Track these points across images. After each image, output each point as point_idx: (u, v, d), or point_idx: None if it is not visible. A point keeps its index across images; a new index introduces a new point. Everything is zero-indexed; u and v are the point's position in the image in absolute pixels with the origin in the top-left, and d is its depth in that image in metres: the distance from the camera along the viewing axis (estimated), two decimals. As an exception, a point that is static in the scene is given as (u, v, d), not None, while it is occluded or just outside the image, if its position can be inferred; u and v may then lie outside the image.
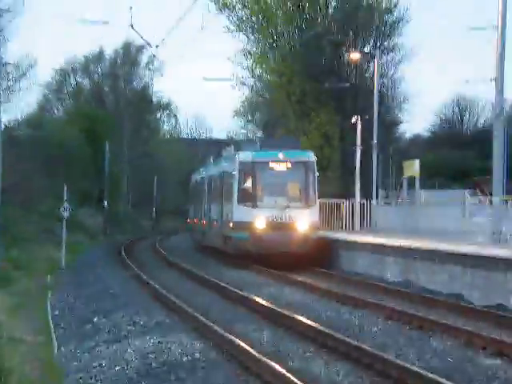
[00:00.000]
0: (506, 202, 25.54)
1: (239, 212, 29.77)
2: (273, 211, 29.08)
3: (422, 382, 11.02)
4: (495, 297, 20.09)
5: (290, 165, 30.01)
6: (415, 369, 11.70)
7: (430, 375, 11.15)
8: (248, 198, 29.70)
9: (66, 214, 31.91)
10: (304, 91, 48.52)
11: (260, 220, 29.04)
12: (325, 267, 29.35)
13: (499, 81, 25.06)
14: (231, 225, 30.41)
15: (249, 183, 29.93)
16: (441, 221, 28.79)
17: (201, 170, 44.96)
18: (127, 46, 74.86)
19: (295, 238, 28.88)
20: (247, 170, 29.99)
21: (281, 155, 29.91)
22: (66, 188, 31.79)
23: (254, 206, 29.44)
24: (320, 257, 29.85)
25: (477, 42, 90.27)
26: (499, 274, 20.28)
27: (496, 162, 25.49)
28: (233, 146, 36.01)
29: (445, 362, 13.05)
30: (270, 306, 18.78)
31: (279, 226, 28.93)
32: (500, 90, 25.26)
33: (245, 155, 30.65)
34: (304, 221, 29.34)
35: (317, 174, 30.45)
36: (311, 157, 30.75)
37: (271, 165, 29.89)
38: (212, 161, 41.24)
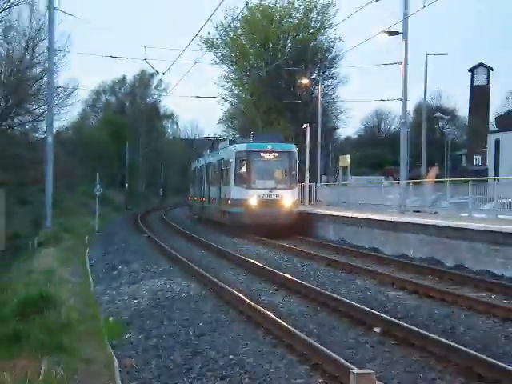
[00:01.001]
0: (409, 184, 25.84)
1: (236, 192, 27.75)
2: (263, 191, 27.22)
3: (348, 309, 11.14)
4: (401, 249, 20.32)
5: (277, 154, 27.94)
6: (344, 299, 11.83)
7: (355, 303, 11.32)
8: (243, 181, 27.67)
9: (98, 193, 32.30)
10: (269, 106, 49.07)
11: (253, 198, 27.06)
12: (295, 232, 27.31)
13: (404, 100, 25.42)
14: (229, 202, 28.34)
15: (244, 169, 27.85)
16: (365, 197, 29.01)
17: (200, 159, 42.04)
18: (142, 74, 75.01)
19: (282, 212, 27.04)
20: (243, 158, 27.91)
21: (269, 146, 27.96)
22: (98, 175, 31.92)
23: (248, 187, 27.37)
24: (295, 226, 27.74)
25: (389, 72, 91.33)
26: (403, 233, 20.52)
27: (402, 156, 25.90)
28: (228, 140, 34.03)
29: (365, 294, 13.19)
30: (243, 257, 18.78)
31: (269, 203, 27.05)
32: (404, 106, 25.64)
33: (241, 146, 28.66)
34: (288, 199, 27.42)
35: (297, 161, 28.77)
36: (293, 148, 28.83)
37: (262, 154, 27.83)
38: (208, 152, 38.43)
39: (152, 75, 72.38)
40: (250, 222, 27.12)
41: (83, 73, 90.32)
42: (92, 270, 17.84)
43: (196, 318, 10.87)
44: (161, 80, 73.17)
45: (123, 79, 78.32)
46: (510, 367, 7.40)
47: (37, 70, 37.42)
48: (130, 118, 74.51)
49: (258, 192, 27.28)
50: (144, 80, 76.53)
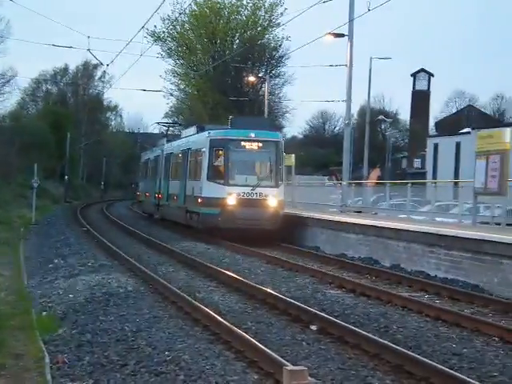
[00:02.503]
0: (351, 184, 26.29)
1: (209, 188, 22.86)
2: (244, 188, 22.29)
3: (287, 306, 11.27)
4: (340, 249, 20.58)
5: (261, 144, 22.96)
6: (283, 297, 11.97)
7: (293, 301, 11.46)
8: (219, 175, 22.79)
9: (35, 185, 31.72)
10: (216, 102, 49.02)
11: (231, 197, 22.19)
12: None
13: (348, 102, 25.87)
14: (199, 201, 23.41)
15: (220, 161, 22.98)
16: (309, 197, 29.29)
17: (155, 149, 36.84)
18: (86, 64, 73.63)
19: (266, 214, 22.23)
20: (218, 147, 22.98)
21: (252, 134, 22.86)
22: (36, 166, 31.37)
23: (226, 183, 22.47)
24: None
25: (336, 74, 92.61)
26: (344, 233, 20.85)
27: (345, 157, 26.31)
28: (195, 127, 28.26)
29: (304, 292, 13.31)
30: (184, 254, 18.73)
31: (251, 203, 22.16)
32: (348, 108, 26.10)
33: (216, 133, 23.65)
34: (274, 199, 22.52)
35: (284, 154, 24.16)
36: (280, 137, 24.23)
37: (243, 143, 22.88)
38: (166, 141, 33.45)
39: (96, 66, 71.25)
40: (227, 226, 22.34)
41: (23, 61, 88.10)
42: (26, 263, 17.44)
43: (133, 314, 10.79)
44: (105, 71, 72.22)
45: (65, 69, 76.72)
46: (438, 365, 7.66)
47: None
48: (71, 108, 73.25)
49: (238, 189, 22.47)
50: (87, 71, 75.28)
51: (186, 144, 27.42)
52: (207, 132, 24.11)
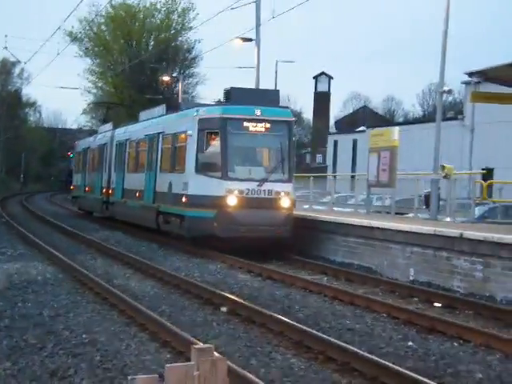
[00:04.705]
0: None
1: (198, 184, 16.08)
2: (248, 184, 15.66)
3: (199, 290, 11.33)
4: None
5: (268, 125, 16.14)
6: (196, 282, 12.07)
7: (205, 286, 11.58)
8: (212, 167, 16.04)
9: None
10: (132, 99, 48.56)
11: (232, 195, 15.50)
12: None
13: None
14: (184, 200, 16.48)
15: (214, 147, 16.16)
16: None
17: (96, 136, 29.79)
18: (4, 61, 70.80)
19: (278, 218, 15.74)
20: (211, 129, 16.17)
21: (258, 111, 15.99)
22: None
23: (224, 176, 15.67)
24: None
25: (247, 76, 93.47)
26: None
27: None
28: (163, 106, 21.19)
29: (216, 277, 13.33)
30: (101, 242, 18.40)
31: (257, 203, 15.56)
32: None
33: (208, 110, 16.66)
34: (286, 197, 15.95)
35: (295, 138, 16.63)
36: (292, 115, 17.12)
37: (245, 124, 16.03)
38: (113, 127, 26.60)
39: (14, 64, 68.57)
40: (226, 235, 15.64)
41: None
42: None
43: (51, 300, 10.55)
44: (23, 69, 69.58)
45: None
46: (334, 340, 7.93)
47: None
48: None
49: (241, 185, 15.66)
50: (6, 68, 72.43)
51: (153, 127, 20.34)
52: (194, 110, 16.88)
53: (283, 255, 16.36)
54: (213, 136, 16.32)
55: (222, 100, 17.38)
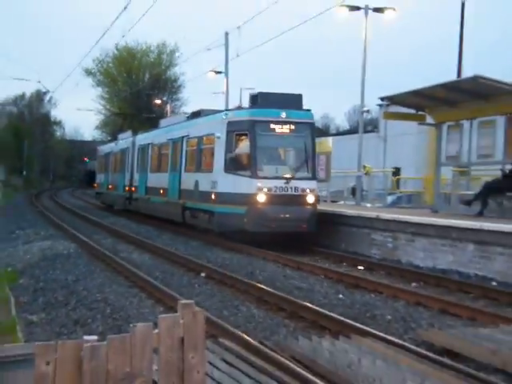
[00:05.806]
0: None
1: (228, 182, 13.51)
2: (276, 182, 13.13)
3: (185, 261, 11.19)
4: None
5: (293, 126, 13.59)
6: (182, 254, 11.96)
7: (189, 257, 11.43)
8: (241, 166, 13.42)
9: (1, 178, 29.65)
10: (133, 118, 49.21)
11: (261, 192, 12.98)
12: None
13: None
14: (213, 197, 13.95)
15: (243, 148, 13.54)
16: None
17: (117, 142, 26.33)
18: (37, 92, 70.23)
19: (304, 214, 13.19)
20: (240, 131, 13.61)
21: (284, 114, 13.48)
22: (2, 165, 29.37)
23: (254, 175, 13.11)
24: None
25: (219, 101, 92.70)
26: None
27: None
28: (183, 113, 18.78)
29: (197, 251, 12.87)
30: (111, 226, 18.06)
31: (285, 200, 13.05)
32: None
33: (237, 114, 14.12)
34: (312, 194, 13.40)
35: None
36: (313, 117, 14.27)
37: (272, 126, 13.46)
38: (132, 135, 23.89)
39: (44, 93, 68.07)
40: (256, 230, 13.13)
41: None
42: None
43: (74, 268, 10.36)
44: (51, 97, 69.42)
45: (23, 95, 74.02)
46: (285, 295, 7.97)
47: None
48: (28, 123, 71.30)
49: (269, 183, 13.13)
50: (39, 97, 72.09)
51: (177, 132, 17.51)
52: (223, 114, 14.37)
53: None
54: (241, 137, 13.68)
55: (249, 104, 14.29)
